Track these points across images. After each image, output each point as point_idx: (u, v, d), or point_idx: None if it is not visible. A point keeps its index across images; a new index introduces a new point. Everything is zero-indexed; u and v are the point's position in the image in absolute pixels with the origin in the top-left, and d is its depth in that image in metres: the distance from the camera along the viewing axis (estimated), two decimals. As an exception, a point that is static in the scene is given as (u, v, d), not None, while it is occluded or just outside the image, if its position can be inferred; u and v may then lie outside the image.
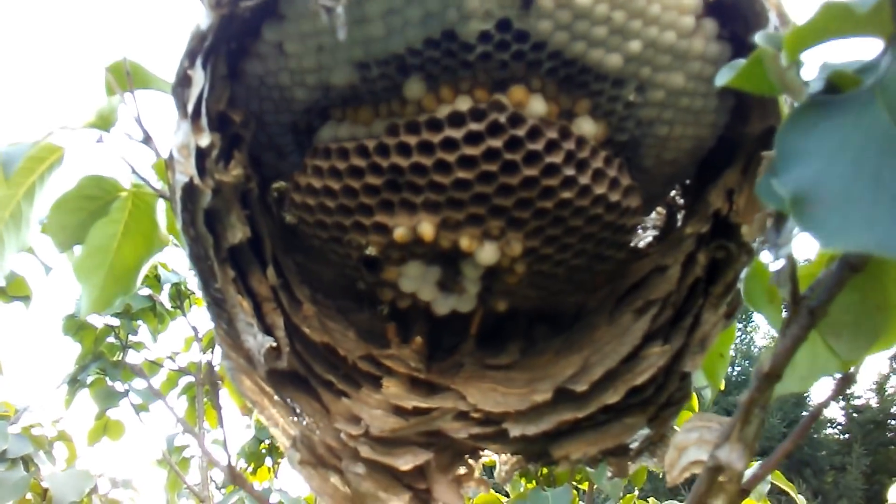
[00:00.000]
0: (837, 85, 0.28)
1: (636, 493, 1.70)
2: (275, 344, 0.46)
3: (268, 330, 0.47)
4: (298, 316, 0.49)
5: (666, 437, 0.48)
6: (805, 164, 0.25)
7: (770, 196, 0.31)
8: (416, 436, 0.47)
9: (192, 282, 1.79)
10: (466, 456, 0.51)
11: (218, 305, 0.49)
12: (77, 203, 0.60)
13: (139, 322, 1.76)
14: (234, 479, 0.44)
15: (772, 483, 1.33)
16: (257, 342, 0.46)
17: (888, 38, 0.26)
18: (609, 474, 0.50)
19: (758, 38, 0.30)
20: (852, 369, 0.44)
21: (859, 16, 0.24)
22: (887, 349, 0.45)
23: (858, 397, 9.08)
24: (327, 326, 0.50)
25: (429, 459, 0.46)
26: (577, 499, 1.65)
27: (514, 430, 0.46)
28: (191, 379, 1.87)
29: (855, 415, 8.99)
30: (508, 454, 0.52)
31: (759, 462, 0.40)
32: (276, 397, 0.49)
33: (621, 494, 1.58)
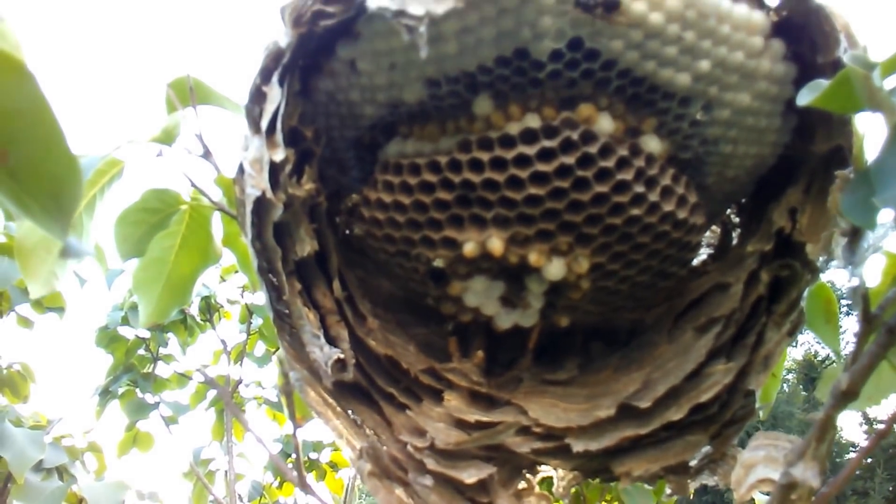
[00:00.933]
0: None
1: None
2: (342, 356, 0.46)
3: (332, 342, 0.48)
4: (362, 329, 0.49)
5: (727, 456, 0.48)
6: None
7: (857, 213, 0.31)
8: (478, 450, 0.48)
9: (222, 296, 1.81)
10: (524, 471, 0.51)
11: (281, 318, 0.50)
12: (139, 216, 0.61)
13: (169, 334, 1.77)
14: (304, 486, 0.45)
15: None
16: (324, 354, 0.46)
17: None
18: (668, 491, 0.50)
19: (847, 58, 0.30)
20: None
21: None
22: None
23: (882, 422, 8.95)
24: (390, 340, 0.50)
25: (492, 473, 0.46)
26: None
27: (577, 446, 0.46)
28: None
29: (879, 439, 8.86)
30: (567, 470, 0.53)
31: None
32: (338, 409, 0.49)
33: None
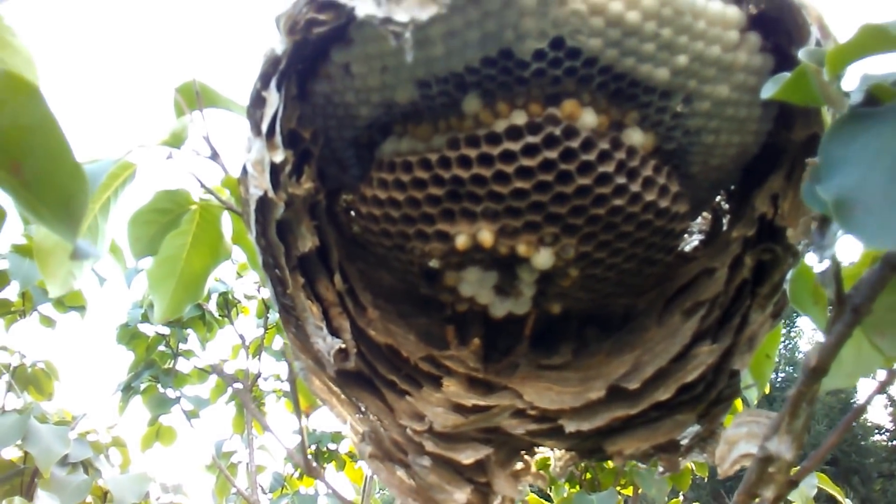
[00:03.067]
0: (877, 97, 0.31)
1: (681, 497, 1.71)
2: (343, 346, 0.49)
3: (335, 333, 0.50)
4: (363, 319, 0.52)
5: (715, 434, 0.50)
6: (846, 171, 0.27)
7: (815, 201, 0.33)
8: (476, 432, 0.50)
9: (239, 291, 1.84)
10: (523, 452, 0.54)
11: (287, 311, 0.52)
12: (151, 216, 0.63)
13: (188, 330, 1.81)
14: (311, 471, 0.47)
15: (819, 488, 1.33)
16: (327, 344, 0.49)
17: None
18: (660, 469, 0.52)
19: (801, 54, 0.32)
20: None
21: (895, 35, 0.26)
22: (931, 346, 0.46)
23: (907, 403, 8.90)
24: (390, 329, 0.53)
25: (489, 454, 0.48)
26: None
27: (570, 427, 0.48)
28: (239, 386, 1.92)
29: (903, 421, 8.80)
30: (563, 450, 0.55)
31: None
32: (342, 396, 0.52)
33: (666, 499, 1.58)
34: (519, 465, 0.53)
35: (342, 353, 0.49)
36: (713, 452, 0.51)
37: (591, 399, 0.49)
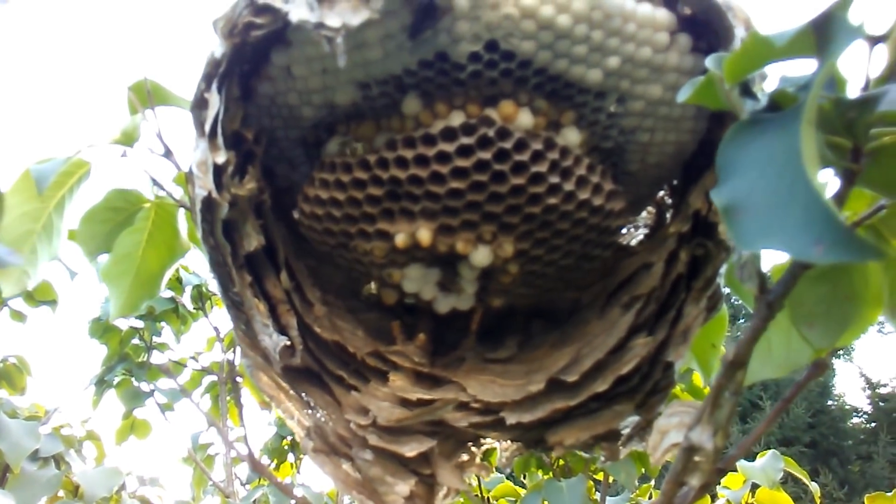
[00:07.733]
0: (779, 102, 0.32)
1: (652, 483, 1.73)
2: (289, 343, 0.50)
3: (282, 330, 0.51)
4: (310, 316, 0.53)
5: (652, 423, 0.52)
6: (740, 176, 0.28)
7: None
8: (421, 425, 0.51)
9: (213, 284, 1.84)
10: (469, 444, 0.55)
11: (236, 308, 0.53)
12: (105, 214, 0.64)
13: (162, 324, 1.81)
14: (256, 467, 0.49)
15: (789, 473, 1.35)
16: (273, 341, 0.50)
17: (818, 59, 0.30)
18: (602, 458, 0.53)
19: (708, 61, 0.33)
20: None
21: (780, 46, 0.27)
22: (856, 338, 0.48)
23: (884, 385, 9.02)
24: (337, 325, 0.54)
25: (432, 446, 0.50)
26: (594, 489, 1.68)
27: (511, 418, 0.49)
28: (214, 378, 1.92)
29: (881, 403, 8.93)
30: (508, 441, 0.56)
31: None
32: (291, 392, 0.53)
33: (636, 484, 1.61)
34: (464, 457, 0.54)
35: (288, 350, 0.50)
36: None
37: (531, 392, 0.50)
